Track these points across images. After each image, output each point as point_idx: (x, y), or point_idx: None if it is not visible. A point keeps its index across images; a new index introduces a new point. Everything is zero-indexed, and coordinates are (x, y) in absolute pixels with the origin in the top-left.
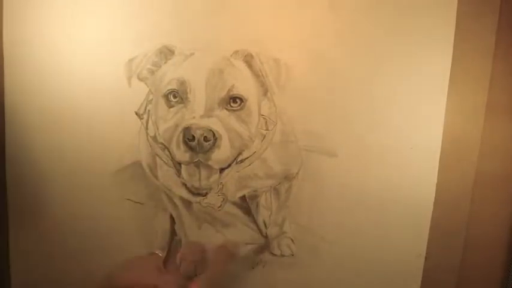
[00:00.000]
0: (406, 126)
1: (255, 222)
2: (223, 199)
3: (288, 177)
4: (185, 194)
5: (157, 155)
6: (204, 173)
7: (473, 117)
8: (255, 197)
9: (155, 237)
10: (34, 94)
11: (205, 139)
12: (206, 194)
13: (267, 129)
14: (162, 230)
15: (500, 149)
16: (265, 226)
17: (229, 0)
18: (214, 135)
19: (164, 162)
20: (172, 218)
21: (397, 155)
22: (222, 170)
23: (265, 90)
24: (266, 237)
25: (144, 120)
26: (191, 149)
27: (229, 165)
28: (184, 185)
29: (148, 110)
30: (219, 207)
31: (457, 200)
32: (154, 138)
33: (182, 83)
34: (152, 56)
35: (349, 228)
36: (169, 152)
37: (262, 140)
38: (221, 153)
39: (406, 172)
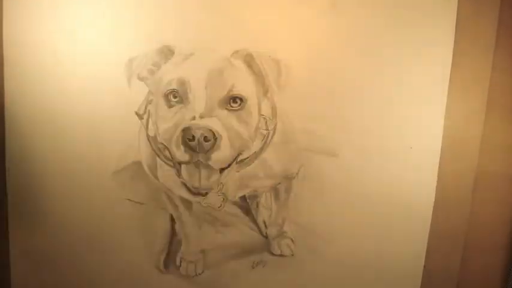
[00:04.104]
0: (406, 126)
1: (255, 222)
2: (223, 199)
3: (288, 177)
4: (185, 194)
5: (157, 155)
6: (204, 173)
7: (473, 117)
8: (255, 197)
9: (155, 237)
10: (34, 94)
11: (205, 139)
12: (206, 194)
13: (267, 129)
14: (162, 230)
15: (501, 149)
16: (265, 226)
17: (229, 0)
18: (214, 135)
19: (164, 162)
20: (172, 218)
21: (397, 154)
22: (222, 170)
23: (265, 90)
24: (266, 237)
25: (144, 121)
26: (191, 149)
27: (229, 165)
28: (184, 185)
29: (149, 110)
30: (219, 207)
31: (457, 200)
32: (155, 138)
33: (182, 83)
34: (152, 56)
35: (349, 229)
36: (169, 152)
37: (262, 140)
38: (221, 153)
39: (406, 172)
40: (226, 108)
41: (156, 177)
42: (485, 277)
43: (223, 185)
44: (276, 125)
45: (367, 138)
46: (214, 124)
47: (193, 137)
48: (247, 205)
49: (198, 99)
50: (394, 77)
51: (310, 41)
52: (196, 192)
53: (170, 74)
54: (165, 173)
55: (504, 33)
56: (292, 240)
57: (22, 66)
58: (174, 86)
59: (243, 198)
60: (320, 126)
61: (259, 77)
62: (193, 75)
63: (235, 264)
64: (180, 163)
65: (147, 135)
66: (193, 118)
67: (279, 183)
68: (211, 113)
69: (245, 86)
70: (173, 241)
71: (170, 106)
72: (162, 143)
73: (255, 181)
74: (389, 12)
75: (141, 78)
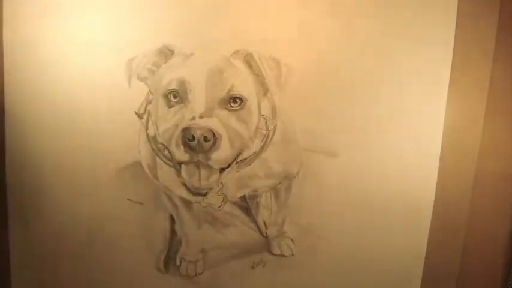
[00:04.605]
0: (406, 126)
1: (255, 222)
2: (223, 199)
3: (288, 177)
4: (185, 194)
5: (157, 155)
6: (204, 173)
7: (473, 117)
8: (255, 197)
9: (155, 237)
10: (34, 94)
11: (205, 139)
12: (206, 194)
13: (267, 129)
14: (162, 230)
15: (500, 149)
16: (265, 226)
17: (229, 0)
18: (214, 135)
19: (164, 162)
20: (172, 218)
21: (397, 155)
22: (222, 170)
23: (265, 90)
24: (266, 237)
25: (144, 121)
26: (191, 149)
27: (229, 165)
28: (184, 185)
29: (149, 110)
30: (219, 207)
31: (457, 199)
32: (154, 138)
33: (182, 83)
34: (152, 56)
35: (349, 228)
36: (169, 152)
37: (262, 140)
38: (221, 153)
39: (406, 172)
40: (226, 108)
41: (156, 177)
42: (485, 276)
43: (223, 185)
44: (276, 125)
45: (367, 138)
46: (214, 124)
47: (193, 137)
48: (247, 205)
49: (198, 99)
50: (394, 77)
51: (310, 40)
52: (196, 192)
53: (170, 74)
54: (165, 173)
55: (504, 33)
56: (292, 240)
57: (22, 66)
58: (174, 86)
59: (243, 198)
60: (320, 126)
61: (259, 77)
62: (193, 75)
63: (235, 264)
64: (180, 163)
65: (147, 135)
66: (193, 118)
67: (279, 183)
68: (211, 113)
69: (245, 86)
70: (173, 241)
71: (170, 106)
72: (162, 143)
73: (255, 181)
74: (389, 13)
75: (141, 79)
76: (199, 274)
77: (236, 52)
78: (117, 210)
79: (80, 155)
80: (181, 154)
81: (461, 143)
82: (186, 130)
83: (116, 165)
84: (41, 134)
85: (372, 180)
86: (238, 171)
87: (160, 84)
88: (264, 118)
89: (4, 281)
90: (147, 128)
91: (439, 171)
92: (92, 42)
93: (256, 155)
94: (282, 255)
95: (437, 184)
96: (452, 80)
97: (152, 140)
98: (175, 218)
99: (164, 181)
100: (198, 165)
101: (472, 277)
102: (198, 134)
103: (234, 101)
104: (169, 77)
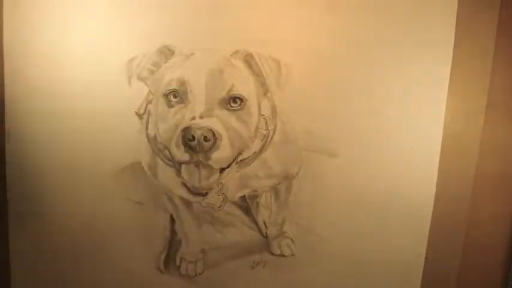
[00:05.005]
0: (406, 126)
1: (255, 222)
2: (223, 199)
3: (288, 177)
4: (185, 194)
5: (157, 155)
6: (204, 173)
7: (473, 117)
8: (255, 197)
9: (155, 237)
10: (34, 94)
11: (205, 139)
12: (206, 194)
13: (267, 129)
14: (162, 230)
15: (500, 149)
16: (265, 226)
17: (230, 0)
18: (214, 135)
19: (164, 162)
20: (172, 218)
21: (397, 155)
22: (222, 169)
23: (265, 90)
24: (266, 237)
25: (144, 121)
26: (191, 149)
27: (229, 165)
28: (184, 185)
29: (149, 110)
30: (219, 207)
31: (457, 200)
32: (154, 138)
33: (182, 83)
34: (152, 56)
35: (349, 228)
36: (169, 152)
37: (262, 140)
38: (221, 153)
39: (406, 172)
40: (226, 108)
41: (156, 177)
42: (485, 276)
43: (223, 185)
44: (276, 125)
45: (367, 138)
46: (214, 124)
47: (193, 137)
48: (247, 205)
49: (198, 99)
50: (394, 77)
51: (310, 41)
52: (196, 192)
53: (170, 74)
54: (165, 173)
55: (504, 32)
56: (292, 240)
57: (22, 66)
58: (174, 86)
59: (243, 198)
60: (320, 126)
61: (259, 77)
62: (193, 75)
63: (235, 264)
64: (180, 163)
65: (147, 135)
66: (193, 118)
67: (279, 183)
68: (211, 113)
69: (245, 86)
70: (173, 241)
71: (170, 106)
72: (162, 143)
73: (255, 181)
74: (389, 13)
75: (141, 78)
76: (199, 274)
77: (236, 52)
78: (117, 210)
79: (80, 155)
80: (181, 154)
81: (461, 143)
82: (186, 130)
83: (116, 165)
84: (41, 134)
85: (372, 180)
86: (238, 171)
87: (160, 84)
88: (264, 118)
89: (4, 281)
90: (147, 128)
91: (439, 171)
92: (92, 42)
93: (256, 155)
94: (282, 255)
95: (437, 184)
96: (452, 80)
97: (152, 140)
98: (175, 218)
99: (164, 181)
100: (198, 165)
101: (471, 277)
102: (198, 134)
103: (234, 101)
104: (169, 77)
